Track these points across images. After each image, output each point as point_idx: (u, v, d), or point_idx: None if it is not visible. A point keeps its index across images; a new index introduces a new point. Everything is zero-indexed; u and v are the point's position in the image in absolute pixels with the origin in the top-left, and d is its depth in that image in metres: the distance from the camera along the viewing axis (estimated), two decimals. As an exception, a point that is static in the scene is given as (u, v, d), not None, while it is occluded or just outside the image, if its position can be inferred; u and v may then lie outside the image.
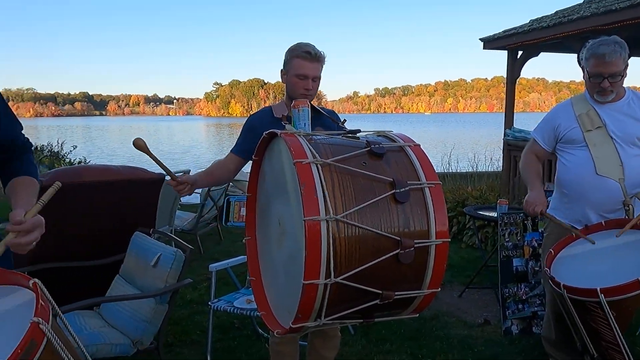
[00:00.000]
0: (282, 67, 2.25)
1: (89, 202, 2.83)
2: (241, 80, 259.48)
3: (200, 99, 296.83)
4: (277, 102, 2.37)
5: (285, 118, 2.04)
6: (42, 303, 1.03)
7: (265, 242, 1.92)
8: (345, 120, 2.23)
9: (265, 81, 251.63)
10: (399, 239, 1.50)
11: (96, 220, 2.89)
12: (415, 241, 1.52)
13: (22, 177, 1.40)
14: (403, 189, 1.55)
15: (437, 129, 55.96)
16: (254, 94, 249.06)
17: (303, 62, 2.15)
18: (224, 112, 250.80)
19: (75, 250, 2.81)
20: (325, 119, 2.27)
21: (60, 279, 2.81)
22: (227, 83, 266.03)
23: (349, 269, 1.45)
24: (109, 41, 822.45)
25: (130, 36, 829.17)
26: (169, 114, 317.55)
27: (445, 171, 8.49)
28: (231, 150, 2.33)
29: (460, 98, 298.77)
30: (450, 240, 1.61)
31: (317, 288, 1.40)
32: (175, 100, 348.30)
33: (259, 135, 2.17)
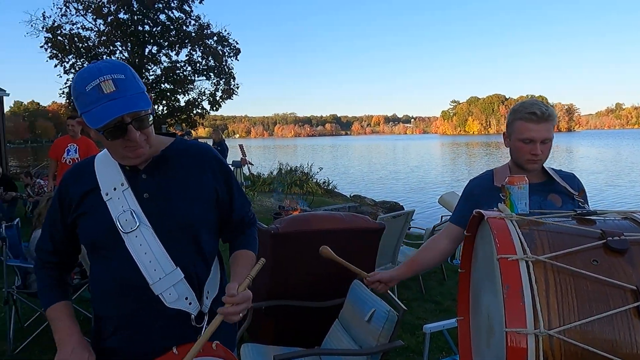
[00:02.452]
0: (504, 130, 2.04)
1: (317, 248, 3.08)
2: (480, 97, 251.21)
3: (437, 117, 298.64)
4: (500, 166, 2.15)
5: (504, 189, 1.84)
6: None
7: (477, 330, 1.74)
8: (583, 190, 1.88)
9: (507, 97, 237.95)
10: (644, 370, 1.18)
11: (321, 265, 3.12)
12: (672, 376, 1.17)
13: (243, 250, 1.58)
14: (653, 303, 1.21)
15: None
16: (493, 111, 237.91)
17: (528, 124, 1.89)
18: (460, 130, 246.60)
19: (301, 291, 3.10)
20: (558, 186, 1.96)
21: (289, 315, 3.14)
22: (465, 100, 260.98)
23: (568, 399, 1.20)
24: (354, 67, 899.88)
25: (373, 61, 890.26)
26: (405, 133, 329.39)
27: None
28: (450, 220, 2.21)
29: None
30: None
31: (525, 416, 1.19)
32: (412, 119, 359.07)
33: (476, 204, 2.00)
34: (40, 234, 1.53)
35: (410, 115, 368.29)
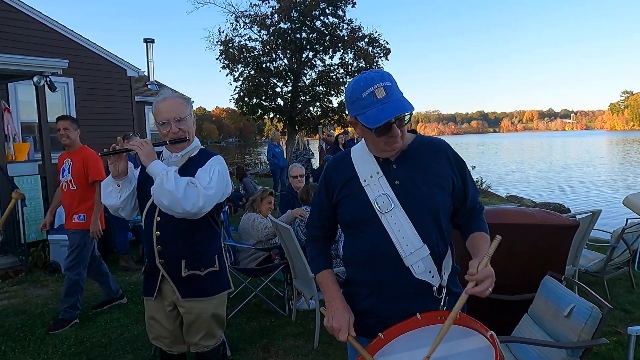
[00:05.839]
0: None
1: (504, 242, 3.13)
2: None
3: (603, 111, 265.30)
4: None
5: None
6: (499, 354, 1.32)
7: None
8: None
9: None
10: None
11: (510, 260, 3.16)
12: None
13: (478, 232, 1.76)
14: None
15: None
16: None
17: None
18: (633, 125, 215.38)
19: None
20: None
21: (476, 304, 3.23)
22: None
23: None
24: (502, 59, 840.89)
25: (528, 51, 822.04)
26: (564, 129, 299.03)
27: None
28: None
29: None
30: None
31: None
32: (572, 114, 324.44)
33: None
34: (309, 214, 1.91)
35: (570, 110, 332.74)
